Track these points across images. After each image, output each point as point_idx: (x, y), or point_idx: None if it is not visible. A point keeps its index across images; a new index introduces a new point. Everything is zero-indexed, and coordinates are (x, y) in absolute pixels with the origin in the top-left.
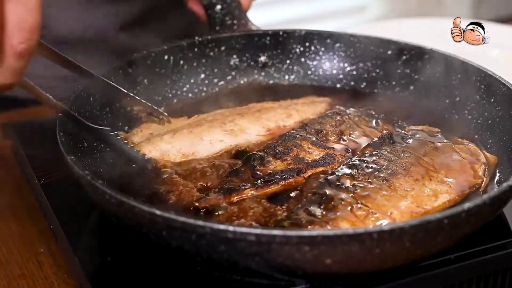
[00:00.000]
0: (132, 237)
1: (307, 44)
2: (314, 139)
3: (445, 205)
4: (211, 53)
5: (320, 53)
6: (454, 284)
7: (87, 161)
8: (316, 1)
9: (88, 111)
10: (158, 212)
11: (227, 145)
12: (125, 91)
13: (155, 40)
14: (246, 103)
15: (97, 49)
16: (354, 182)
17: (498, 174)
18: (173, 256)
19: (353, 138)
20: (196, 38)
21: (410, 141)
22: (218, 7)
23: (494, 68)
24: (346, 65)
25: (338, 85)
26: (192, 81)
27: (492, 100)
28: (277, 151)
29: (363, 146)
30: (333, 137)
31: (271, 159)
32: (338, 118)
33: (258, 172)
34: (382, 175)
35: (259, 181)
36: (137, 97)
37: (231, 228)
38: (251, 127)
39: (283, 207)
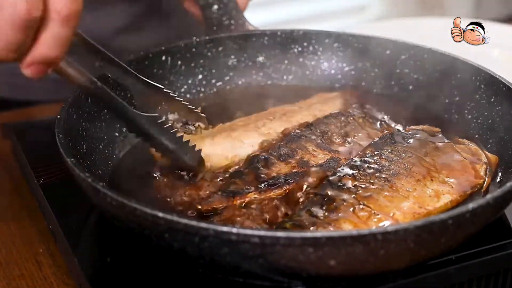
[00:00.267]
0: (132, 238)
1: (305, 44)
2: (319, 141)
3: (447, 206)
4: (209, 54)
5: (319, 53)
6: (455, 284)
7: (86, 163)
8: (316, 1)
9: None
10: (160, 214)
11: (267, 147)
12: (167, 91)
13: (152, 42)
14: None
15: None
16: (356, 182)
17: (499, 174)
18: (174, 258)
19: (357, 141)
20: (194, 38)
21: (411, 141)
22: (215, 7)
23: (494, 67)
24: (344, 65)
25: (336, 85)
26: (189, 81)
27: (492, 99)
28: (281, 152)
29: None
30: (338, 139)
31: (275, 161)
32: (343, 119)
33: (262, 175)
34: (383, 175)
35: (262, 185)
36: (176, 97)
37: (234, 230)
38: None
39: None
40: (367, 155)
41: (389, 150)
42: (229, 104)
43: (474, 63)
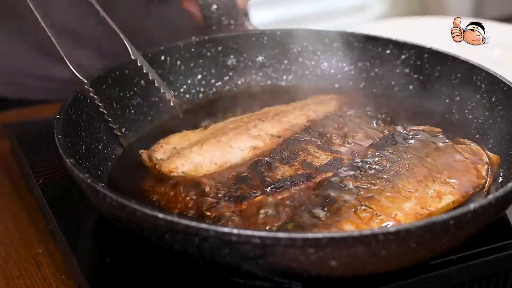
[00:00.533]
0: (131, 238)
1: (305, 43)
2: (319, 142)
3: (449, 206)
4: (208, 54)
5: (318, 52)
6: (456, 285)
7: (85, 164)
8: (316, 0)
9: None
10: (160, 215)
11: (258, 150)
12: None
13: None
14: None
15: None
16: (358, 183)
17: (501, 174)
18: (174, 259)
19: (357, 141)
20: (193, 38)
21: (412, 141)
22: (214, 6)
23: (495, 67)
24: (344, 64)
25: (336, 85)
26: (189, 81)
27: (493, 99)
28: (283, 156)
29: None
30: (338, 140)
31: (278, 164)
32: (340, 120)
33: (267, 179)
34: (385, 176)
35: (269, 188)
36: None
37: (235, 231)
38: (276, 131)
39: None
40: (368, 156)
41: (390, 151)
42: (229, 104)
43: (475, 63)
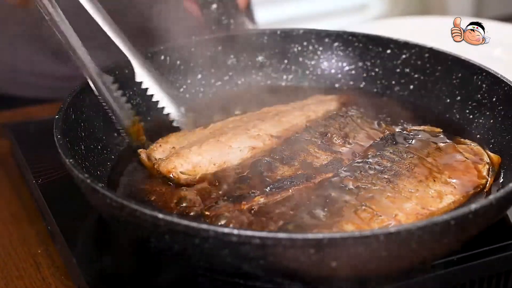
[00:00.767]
0: (131, 239)
1: (305, 43)
2: (319, 142)
3: (450, 206)
4: (208, 53)
5: (318, 52)
6: (456, 285)
7: (85, 164)
8: (317, 0)
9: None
10: (160, 215)
11: (257, 150)
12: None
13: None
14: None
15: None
16: (358, 184)
17: (502, 174)
18: (174, 260)
19: (358, 141)
20: (193, 37)
21: (413, 141)
22: (214, 6)
23: (496, 67)
24: (344, 64)
25: (336, 85)
26: (189, 81)
27: (494, 99)
28: (283, 156)
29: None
30: (339, 140)
31: (278, 164)
32: (341, 120)
33: (267, 179)
34: (385, 176)
35: (268, 188)
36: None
37: (235, 231)
38: (276, 131)
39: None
40: (369, 156)
41: (391, 151)
42: (229, 104)
43: (476, 62)
